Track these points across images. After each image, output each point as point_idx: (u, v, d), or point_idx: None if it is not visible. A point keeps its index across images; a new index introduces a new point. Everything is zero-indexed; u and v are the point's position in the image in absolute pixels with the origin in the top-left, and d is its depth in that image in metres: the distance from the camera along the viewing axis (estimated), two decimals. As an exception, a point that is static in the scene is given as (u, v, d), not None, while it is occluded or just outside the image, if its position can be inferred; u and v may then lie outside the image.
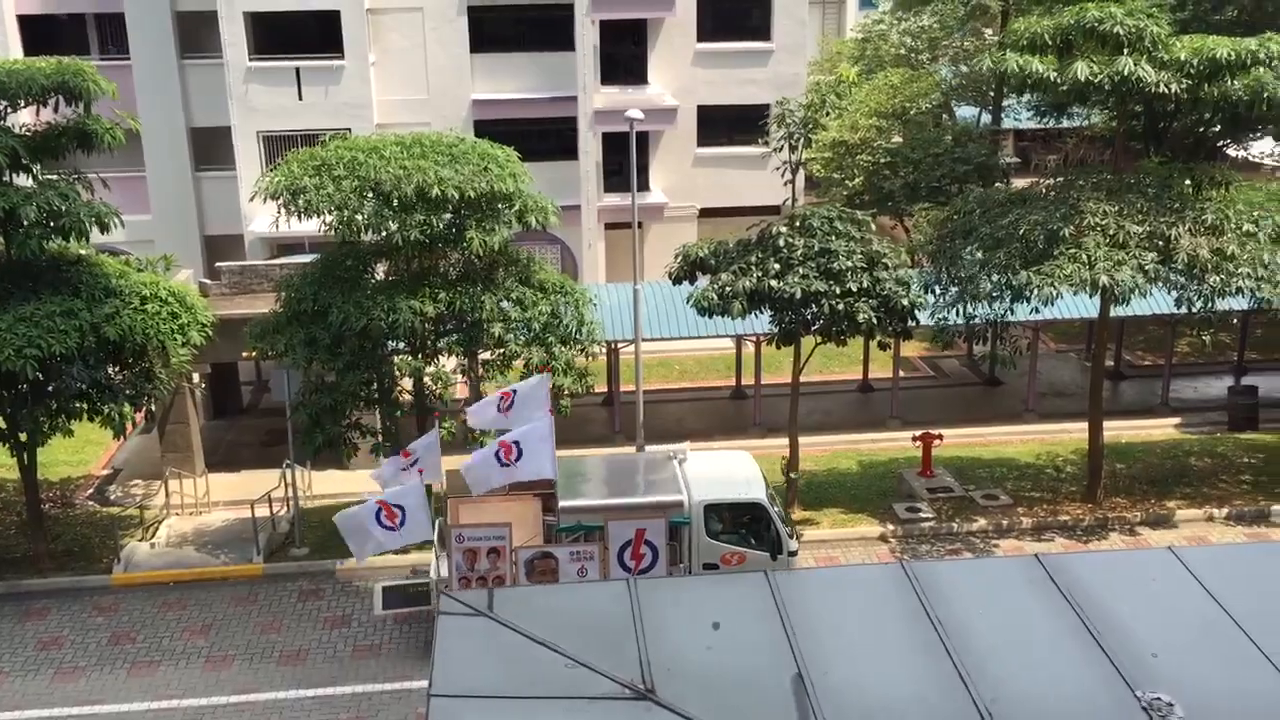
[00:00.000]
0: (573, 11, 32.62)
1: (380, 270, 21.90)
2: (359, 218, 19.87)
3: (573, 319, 21.59)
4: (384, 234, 20.09)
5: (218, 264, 28.10)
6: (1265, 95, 20.30)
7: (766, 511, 19.63)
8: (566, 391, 21.59)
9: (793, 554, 19.70)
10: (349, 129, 30.50)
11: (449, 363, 22.42)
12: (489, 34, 33.31)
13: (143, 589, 21.64)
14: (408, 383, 21.69)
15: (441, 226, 20.40)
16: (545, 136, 33.12)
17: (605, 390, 29.22)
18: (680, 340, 28.44)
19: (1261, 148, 38.96)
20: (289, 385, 21.70)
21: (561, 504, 18.92)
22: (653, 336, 27.05)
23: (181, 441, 25.61)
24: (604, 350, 27.12)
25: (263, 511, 22.94)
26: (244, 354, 23.39)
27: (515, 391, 19.21)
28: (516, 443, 18.13)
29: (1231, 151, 39.10)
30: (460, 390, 25.76)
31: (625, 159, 33.11)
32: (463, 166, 20.32)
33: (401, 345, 21.25)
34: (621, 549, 18.20)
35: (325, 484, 25.40)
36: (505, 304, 21.10)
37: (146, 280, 21.63)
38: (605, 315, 25.86)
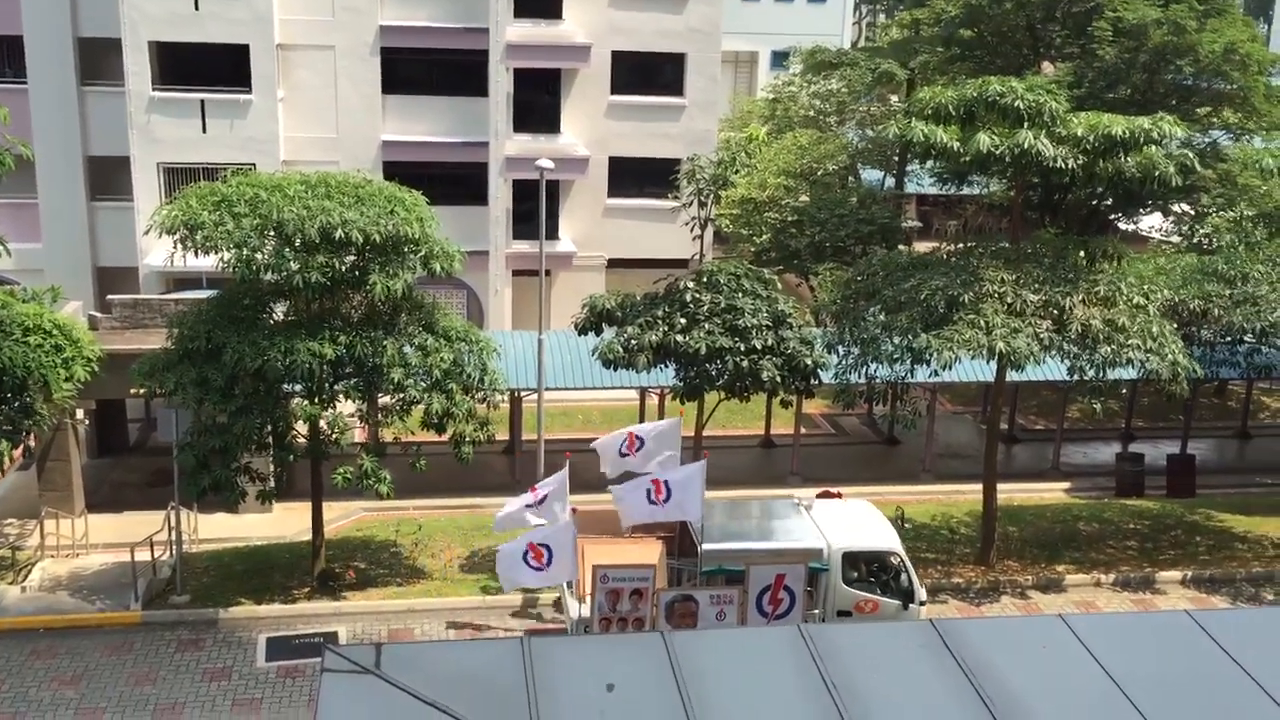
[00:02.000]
0: (487, 58, 32.60)
1: (279, 310, 21.37)
2: (259, 257, 19.40)
3: (475, 367, 21.29)
4: (284, 274, 19.62)
5: (109, 296, 27.20)
6: (1157, 173, 21.01)
7: (902, 560, 19.94)
8: (467, 439, 21.28)
9: (922, 603, 19.92)
10: (254, 164, 30.00)
11: (346, 407, 21.93)
12: (402, 76, 33.07)
13: (10, 635, 20.57)
14: (302, 426, 21.13)
15: (344, 269, 20.01)
16: (455, 181, 32.89)
17: (507, 439, 28.87)
18: (584, 390, 28.26)
19: (1150, 222, 40.42)
20: (176, 425, 20.96)
21: (705, 547, 18.98)
22: (556, 386, 26.84)
23: (61, 480, 24.57)
24: (506, 398, 26.82)
25: (144, 556, 22.05)
26: (132, 391, 22.57)
27: (640, 437, 19.61)
28: (667, 482, 18.53)
29: (1122, 225, 40.55)
30: (358, 435, 25.24)
31: (535, 206, 33.17)
32: (369, 208, 19.98)
33: (298, 388, 20.70)
34: (760, 594, 18.40)
35: (212, 528, 24.60)
36: (407, 349, 20.73)
37: (30, 311, 20.80)
38: (509, 363, 25.60)
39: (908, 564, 19.98)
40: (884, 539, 20.20)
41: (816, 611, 19.26)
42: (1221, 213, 34.72)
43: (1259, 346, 24.60)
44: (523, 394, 27.63)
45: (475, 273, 32.19)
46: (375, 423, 21.84)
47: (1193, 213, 36.40)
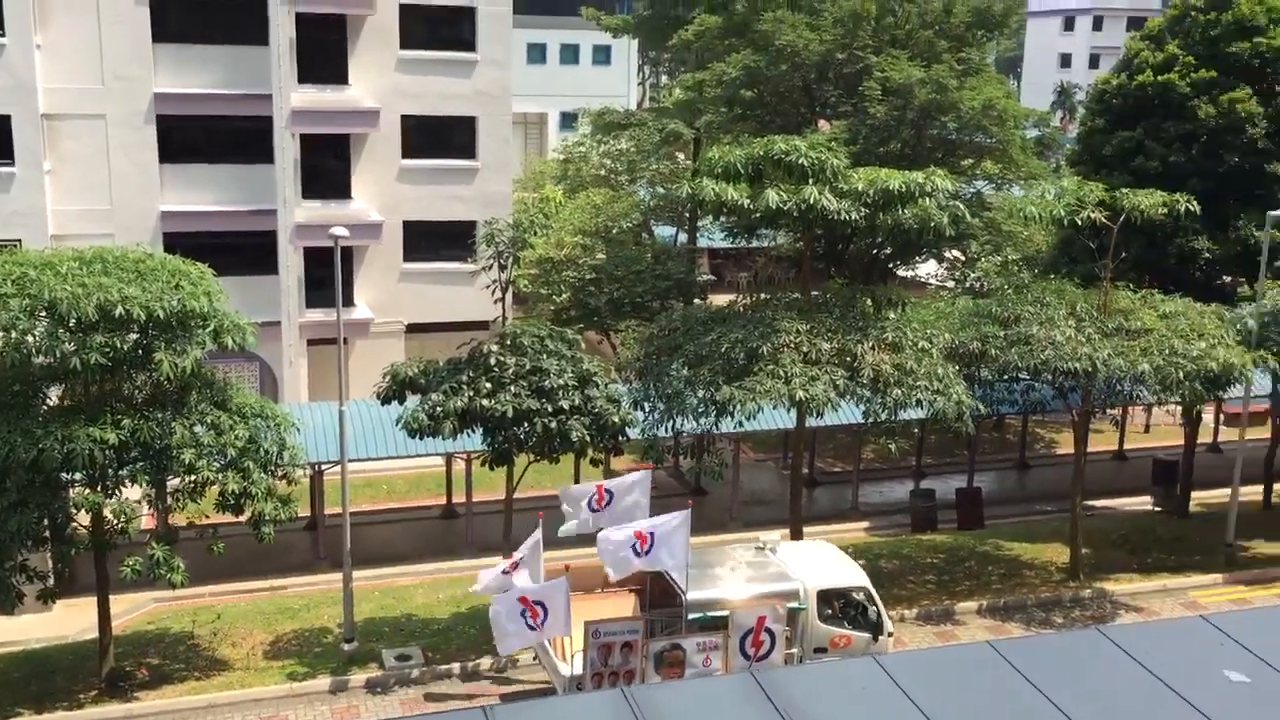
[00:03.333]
0: (271, 125, 31.75)
1: (54, 395, 20.01)
2: (29, 339, 18.14)
3: (273, 443, 20.45)
4: (59, 356, 18.40)
5: None
6: (932, 223, 22.20)
7: (872, 595, 20.65)
8: (267, 518, 20.35)
9: (890, 634, 20.69)
10: (19, 241, 28.31)
11: (133, 492, 20.67)
12: (181, 144, 31.85)
13: None
14: (84, 517, 19.76)
15: (126, 348, 18.91)
16: (243, 250, 31.78)
17: (308, 515, 27.82)
18: (388, 460, 27.57)
19: (926, 269, 42.68)
20: (-60, 525, 19.25)
21: (690, 596, 19.18)
22: (360, 457, 26.09)
23: None
24: (307, 473, 25.88)
25: (-95, 671, 20.11)
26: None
27: (609, 491, 19.84)
28: (652, 533, 18.60)
29: (901, 272, 42.68)
30: (146, 522, 23.79)
31: (328, 274, 32.25)
32: (151, 284, 19.00)
33: (78, 476, 19.39)
34: (743, 638, 18.98)
35: (-16, 633, 22.70)
36: (198, 429, 19.73)
37: None
38: (309, 436, 24.75)
39: (875, 597, 20.72)
40: (853, 576, 20.91)
41: (794, 650, 19.79)
42: (989, 258, 37.06)
43: (1033, 384, 26.13)
44: (324, 467, 26.74)
45: (268, 344, 31.06)
46: (165, 508, 20.66)
47: (964, 259, 38.66)
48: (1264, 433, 32.38)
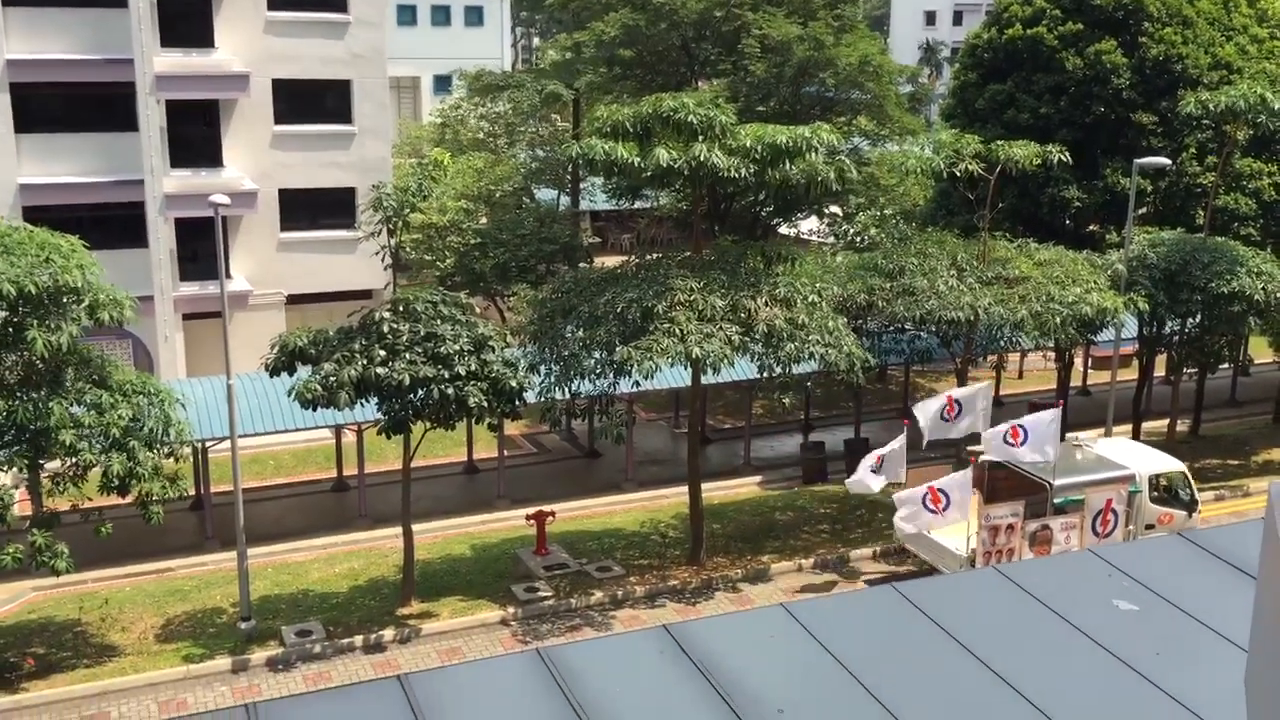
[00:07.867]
0: (134, 91, 30.40)
1: (-83, 378, 18.98)
2: (-111, 320, 17.16)
3: (158, 420, 19.77)
4: (-80, 338, 17.46)
5: None
6: (819, 178, 22.44)
7: (1187, 477, 23.89)
8: (155, 498, 19.71)
9: (1199, 511, 23.75)
10: None
11: (5, 477, 19.78)
12: (38, 113, 30.24)
13: None
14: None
15: (-5, 326, 18.05)
16: (109, 223, 30.44)
17: (193, 494, 27.02)
18: (272, 434, 26.90)
19: (806, 225, 43.24)
20: None
21: (1057, 482, 22.10)
22: (248, 432, 25.41)
23: None
24: (190, 451, 25.11)
25: None
26: None
27: (958, 401, 23.08)
28: (1023, 427, 21.87)
29: (782, 229, 43.16)
30: (21, 507, 22.83)
31: (200, 246, 31.25)
32: (19, 258, 18.13)
33: (-53, 463, 18.47)
34: (1094, 518, 21.90)
35: None
36: (76, 409, 18.95)
37: None
38: (192, 413, 23.97)
39: (1190, 480, 23.95)
40: (1173, 462, 24.08)
41: (1130, 528, 22.58)
42: (866, 212, 37.75)
43: (919, 334, 26.76)
44: (209, 444, 25.97)
45: (141, 320, 29.83)
46: (43, 492, 19.82)
47: (842, 214, 39.28)
48: (1131, 374, 33.78)
